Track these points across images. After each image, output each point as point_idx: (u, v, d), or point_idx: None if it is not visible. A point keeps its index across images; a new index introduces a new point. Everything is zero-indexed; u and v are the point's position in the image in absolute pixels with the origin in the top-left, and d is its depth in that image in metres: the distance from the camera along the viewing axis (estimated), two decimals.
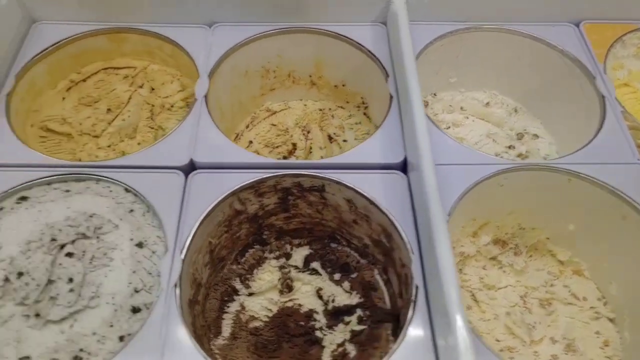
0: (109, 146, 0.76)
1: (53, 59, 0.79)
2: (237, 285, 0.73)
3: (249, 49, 0.82)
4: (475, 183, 0.65)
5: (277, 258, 0.76)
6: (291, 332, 0.69)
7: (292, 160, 0.70)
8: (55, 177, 0.65)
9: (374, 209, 0.64)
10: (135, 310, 0.55)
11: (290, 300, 0.72)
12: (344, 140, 0.89)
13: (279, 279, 0.73)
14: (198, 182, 0.65)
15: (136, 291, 0.56)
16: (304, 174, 0.66)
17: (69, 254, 0.57)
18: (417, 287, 0.56)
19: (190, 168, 0.67)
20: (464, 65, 0.88)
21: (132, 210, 0.63)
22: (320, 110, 0.93)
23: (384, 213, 0.63)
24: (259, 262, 0.75)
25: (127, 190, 0.65)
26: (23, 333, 0.53)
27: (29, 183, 0.65)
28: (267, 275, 0.74)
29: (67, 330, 0.53)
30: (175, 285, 0.56)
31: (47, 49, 0.78)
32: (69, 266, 0.56)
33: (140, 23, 0.82)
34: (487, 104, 0.91)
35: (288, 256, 0.76)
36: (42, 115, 0.78)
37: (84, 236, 0.59)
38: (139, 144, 0.77)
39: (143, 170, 0.66)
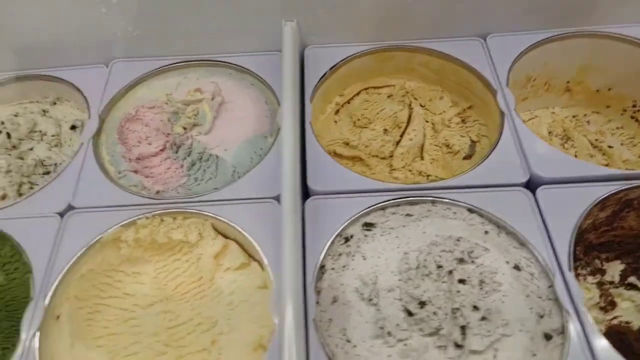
0: (403, 167, 0.74)
1: (327, 83, 0.79)
2: None
3: (523, 60, 0.78)
4: None
5: (591, 274, 0.71)
6: (638, 353, 0.63)
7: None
8: (388, 202, 0.63)
9: None
10: (548, 337, 0.51)
11: (614, 318, 0.67)
12: (609, 147, 0.84)
13: (600, 296, 0.69)
14: (549, 198, 0.61)
15: (540, 316, 0.53)
16: None
17: (461, 281, 0.54)
18: None
19: (527, 184, 0.64)
20: None
21: (487, 232, 0.60)
22: (574, 117, 0.89)
23: None
24: None
25: (470, 210, 0.62)
26: None
27: (366, 210, 0.63)
28: (585, 292, 0.70)
29: None
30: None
31: (324, 74, 0.78)
32: (467, 293, 0.53)
33: (407, 40, 0.80)
34: None
35: (602, 272, 0.71)
36: (324, 140, 0.77)
37: (462, 261, 0.56)
38: (431, 162, 0.74)
39: (477, 190, 0.63)
